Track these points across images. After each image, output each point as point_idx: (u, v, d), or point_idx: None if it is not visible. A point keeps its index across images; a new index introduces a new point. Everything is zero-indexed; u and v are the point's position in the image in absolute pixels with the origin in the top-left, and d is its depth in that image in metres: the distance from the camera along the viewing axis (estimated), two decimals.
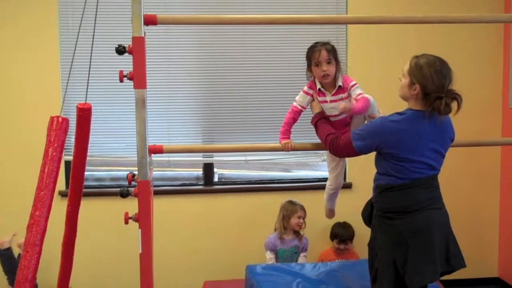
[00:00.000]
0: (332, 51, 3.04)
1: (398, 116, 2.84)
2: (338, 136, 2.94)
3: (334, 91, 3.07)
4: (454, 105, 2.78)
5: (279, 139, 3.15)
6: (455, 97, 2.78)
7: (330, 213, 3.76)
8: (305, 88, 3.16)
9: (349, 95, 3.06)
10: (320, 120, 3.09)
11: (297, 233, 4.75)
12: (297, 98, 3.17)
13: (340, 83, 3.06)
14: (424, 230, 2.82)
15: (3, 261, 4.24)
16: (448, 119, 2.88)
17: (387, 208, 2.89)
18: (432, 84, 2.77)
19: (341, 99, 3.05)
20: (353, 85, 3.07)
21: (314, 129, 3.17)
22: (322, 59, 3.01)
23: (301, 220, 4.73)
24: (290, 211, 4.70)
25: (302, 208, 4.75)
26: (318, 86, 3.10)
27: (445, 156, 2.94)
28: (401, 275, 2.82)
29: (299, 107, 3.16)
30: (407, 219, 2.83)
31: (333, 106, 3.07)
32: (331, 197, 3.63)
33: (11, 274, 4.15)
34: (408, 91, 2.84)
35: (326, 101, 3.08)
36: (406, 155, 2.80)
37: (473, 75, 4.79)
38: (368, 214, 3.08)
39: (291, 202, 4.77)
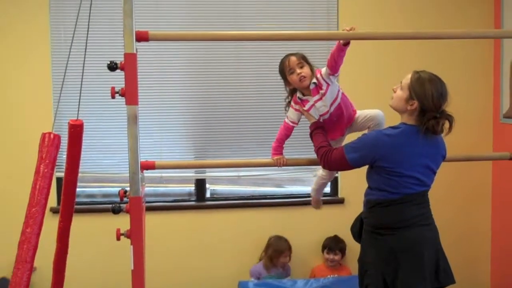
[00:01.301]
0: (301, 56, 3.04)
1: (392, 130, 2.85)
2: (330, 150, 2.93)
3: (312, 91, 3.03)
4: (446, 125, 2.82)
5: (271, 155, 3.14)
6: (448, 118, 2.82)
7: (318, 203, 3.63)
8: (292, 104, 3.15)
9: (326, 81, 3.00)
10: (315, 130, 3.07)
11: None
12: (288, 114, 3.16)
13: (314, 80, 3.02)
14: (414, 246, 2.83)
15: None
16: (440, 137, 2.90)
17: (378, 224, 2.90)
18: (431, 103, 2.78)
19: (324, 93, 3.01)
20: (320, 71, 3.04)
21: (306, 143, 3.18)
22: (293, 65, 3.00)
23: (287, 258, 4.80)
24: (278, 251, 4.76)
25: (289, 248, 4.82)
26: (299, 95, 3.08)
27: (436, 173, 2.95)
28: None
29: (291, 124, 3.14)
30: (397, 236, 2.83)
31: (321, 105, 3.03)
32: (320, 187, 3.55)
33: None
34: (405, 105, 2.85)
35: (313, 105, 3.05)
36: (398, 169, 2.81)
37: (465, 90, 4.81)
38: (358, 230, 3.08)
39: (279, 240, 4.82)
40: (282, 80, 3.12)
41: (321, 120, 3.09)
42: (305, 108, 3.08)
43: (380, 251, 2.87)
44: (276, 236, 4.85)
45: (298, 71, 2.99)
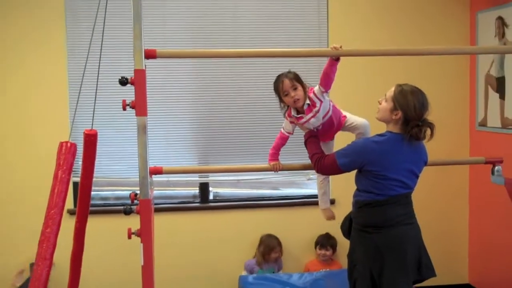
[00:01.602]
0: (294, 77, 2.99)
1: (379, 137, 2.87)
2: (323, 156, 2.95)
3: (306, 110, 3.01)
4: (428, 132, 2.84)
5: (268, 161, 3.14)
6: (430, 126, 2.84)
7: (329, 213, 3.42)
8: (287, 117, 3.13)
9: (319, 98, 2.99)
10: (309, 139, 3.09)
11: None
12: (283, 125, 3.15)
13: (307, 101, 2.99)
14: (398, 244, 2.84)
15: None
16: (422, 144, 2.92)
17: (365, 222, 2.91)
18: (414, 113, 2.81)
19: (317, 111, 2.99)
20: (312, 89, 3.02)
21: (300, 149, 3.19)
22: (287, 88, 2.96)
23: (278, 253, 4.80)
24: (269, 247, 4.76)
25: (279, 244, 4.82)
26: (293, 113, 3.06)
27: (419, 176, 2.96)
28: (378, 285, 2.84)
29: (286, 134, 3.14)
30: (383, 234, 2.85)
31: (315, 121, 3.02)
32: (324, 198, 3.41)
33: None
34: (390, 115, 2.87)
35: (307, 121, 3.04)
36: (384, 172, 2.82)
37: (444, 101, 4.81)
38: (347, 228, 3.10)
39: (270, 237, 4.83)
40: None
41: (314, 130, 3.11)
42: (300, 123, 3.08)
43: (368, 248, 2.88)
44: (267, 234, 4.86)
45: (292, 94, 2.96)
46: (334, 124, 3.09)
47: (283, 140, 3.15)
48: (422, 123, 2.82)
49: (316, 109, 2.99)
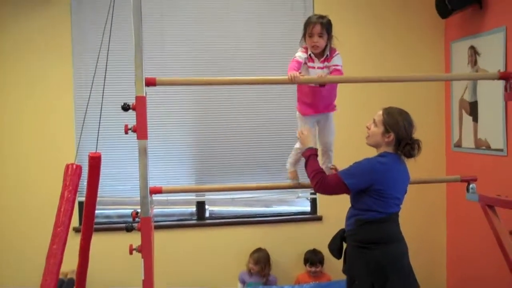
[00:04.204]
0: (326, 25, 2.94)
1: (382, 158, 2.82)
2: (325, 176, 2.86)
3: (322, 59, 2.99)
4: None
5: (288, 72, 2.90)
6: (418, 143, 2.84)
7: (295, 176, 3.28)
8: (301, 48, 3.05)
9: (337, 61, 2.99)
10: (311, 156, 2.95)
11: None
12: (297, 54, 3.02)
13: (327, 52, 2.98)
14: (399, 260, 2.81)
15: None
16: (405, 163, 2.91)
17: (367, 239, 2.82)
18: (405, 132, 2.80)
19: (327, 67, 2.98)
20: (336, 54, 3.01)
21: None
22: (315, 32, 2.92)
23: (267, 266, 4.75)
24: (257, 260, 4.72)
25: (267, 257, 4.77)
26: (309, 52, 3.00)
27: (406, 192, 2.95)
28: None
29: (301, 60, 2.99)
30: (384, 250, 2.79)
31: (321, 73, 2.96)
32: (297, 160, 3.26)
33: None
34: (382, 139, 2.84)
35: (314, 67, 3.00)
36: (389, 191, 2.79)
37: (422, 123, 4.70)
38: (337, 247, 3.01)
39: (259, 251, 4.80)
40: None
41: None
42: (308, 65, 2.99)
43: (369, 264, 2.79)
44: (257, 248, 4.83)
45: (315, 39, 2.93)
46: (332, 95, 3.08)
47: (300, 65, 2.99)
48: (411, 141, 2.81)
49: (328, 64, 2.97)
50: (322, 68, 2.99)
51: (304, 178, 3.11)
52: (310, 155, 2.97)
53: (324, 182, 2.84)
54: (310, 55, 3.02)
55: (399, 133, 2.80)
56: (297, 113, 3.19)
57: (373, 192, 2.79)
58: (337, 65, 3.01)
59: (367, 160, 2.85)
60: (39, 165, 4.66)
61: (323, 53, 3.01)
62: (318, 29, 2.93)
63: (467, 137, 4.69)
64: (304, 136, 3.03)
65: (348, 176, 2.80)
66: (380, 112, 2.87)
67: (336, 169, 3.15)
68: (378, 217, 2.80)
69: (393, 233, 2.84)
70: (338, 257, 3.03)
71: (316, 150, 3.00)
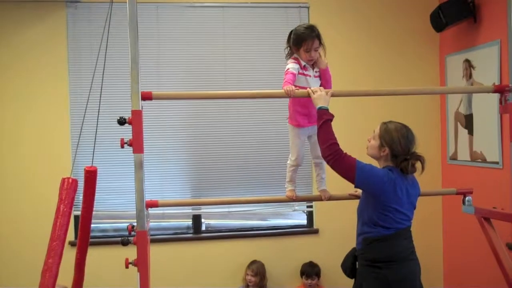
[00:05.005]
0: (320, 37, 2.96)
1: (388, 171, 2.77)
2: (344, 154, 2.73)
3: (315, 69, 3.04)
4: (418, 165, 2.81)
5: (283, 86, 2.88)
6: (419, 158, 2.81)
7: (293, 194, 3.22)
8: (292, 60, 3.03)
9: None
10: (329, 121, 2.78)
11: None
12: (289, 66, 2.99)
13: (316, 69, 3.03)
14: (410, 280, 2.77)
15: None
16: (415, 177, 2.88)
17: (376, 258, 2.77)
18: (400, 147, 2.78)
19: (318, 72, 3.04)
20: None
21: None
22: (313, 47, 2.94)
23: (263, 278, 4.76)
24: (253, 273, 4.72)
25: (262, 269, 4.77)
26: (303, 63, 3.01)
27: (415, 208, 2.90)
28: None
29: (295, 71, 2.96)
30: (394, 269, 2.74)
31: (315, 81, 3.02)
32: (293, 177, 3.23)
33: None
34: (378, 152, 2.84)
35: (310, 75, 3.02)
36: (395, 205, 2.74)
37: (418, 136, 4.78)
38: (350, 265, 2.95)
39: (254, 263, 4.80)
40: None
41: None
42: (303, 73, 3.01)
43: (378, 283, 2.74)
44: (253, 260, 4.83)
45: (313, 54, 2.95)
46: None
47: (294, 76, 2.96)
48: (410, 156, 2.78)
49: (318, 68, 3.03)
50: (317, 77, 3.05)
51: (301, 192, 3.11)
52: (326, 120, 2.79)
53: (339, 157, 2.71)
54: (304, 65, 3.03)
55: (394, 149, 2.79)
56: (289, 126, 3.18)
57: (379, 205, 2.73)
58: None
59: (380, 168, 2.84)
60: (34, 179, 4.65)
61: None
62: (317, 45, 2.96)
63: (462, 150, 4.70)
64: (317, 95, 2.84)
65: (362, 166, 2.71)
66: (379, 126, 2.88)
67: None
68: (386, 234, 2.75)
69: (403, 251, 2.79)
70: (351, 277, 2.97)
71: (332, 115, 2.81)
